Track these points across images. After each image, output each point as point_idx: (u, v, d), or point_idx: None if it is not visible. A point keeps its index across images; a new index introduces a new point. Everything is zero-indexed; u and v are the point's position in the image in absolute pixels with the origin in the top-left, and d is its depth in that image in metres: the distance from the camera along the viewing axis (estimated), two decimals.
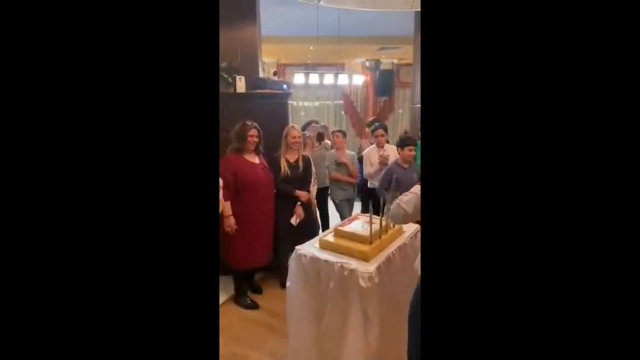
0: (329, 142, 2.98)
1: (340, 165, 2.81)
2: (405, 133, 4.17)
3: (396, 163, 2.46)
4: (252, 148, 2.21)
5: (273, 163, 2.34)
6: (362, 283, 1.38)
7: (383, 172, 2.50)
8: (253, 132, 2.18)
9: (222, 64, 2.48)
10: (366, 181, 2.82)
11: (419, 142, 2.82)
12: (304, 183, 2.43)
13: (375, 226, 1.57)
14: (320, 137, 2.99)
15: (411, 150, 2.39)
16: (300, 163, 2.40)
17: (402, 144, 2.45)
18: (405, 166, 2.43)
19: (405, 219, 1.28)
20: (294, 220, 2.36)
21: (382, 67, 6.04)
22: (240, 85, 2.52)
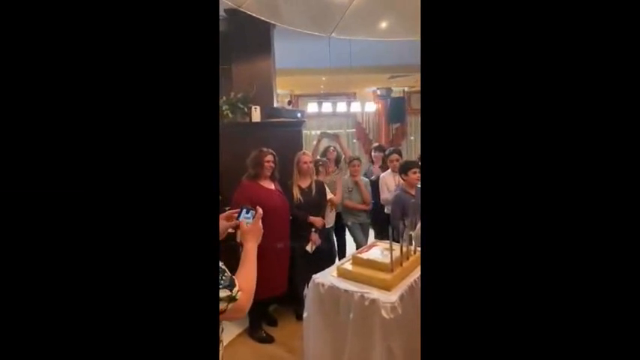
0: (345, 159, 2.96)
1: (352, 191, 2.77)
2: (419, 158, 4.14)
3: (402, 189, 2.34)
4: (269, 174, 2.21)
5: (288, 190, 2.33)
6: (384, 314, 1.30)
7: (392, 203, 2.37)
8: (269, 158, 2.20)
9: (239, 95, 2.56)
10: (383, 207, 2.75)
11: None
12: (319, 208, 2.39)
13: (395, 253, 1.51)
14: (337, 161, 2.98)
15: (415, 173, 2.27)
16: (313, 189, 2.37)
17: (404, 169, 2.32)
18: (412, 192, 2.31)
19: None
20: (309, 247, 2.31)
21: (393, 94, 6.14)
22: (256, 114, 2.58)
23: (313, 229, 2.33)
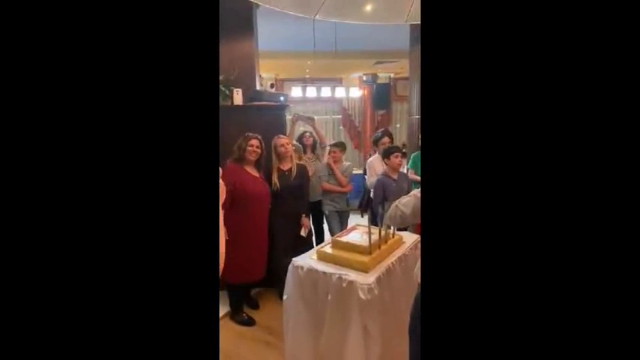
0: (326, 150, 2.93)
1: (332, 176, 2.76)
2: (404, 145, 4.16)
3: (384, 173, 2.40)
4: (253, 159, 2.18)
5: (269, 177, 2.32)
6: (361, 295, 1.33)
7: (374, 187, 2.42)
8: (253, 142, 2.15)
9: (220, 77, 2.49)
10: (370, 191, 2.76)
11: (417, 153, 2.77)
12: (300, 191, 2.38)
13: (374, 237, 1.53)
14: (313, 148, 2.96)
15: (397, 157, 2.35)
16: (294, 172, 2.35)
17: (386, 153, 2.40)
18: (394, 176, 2.37)
19: (403, 221, 1.24)
20: (303, 232, 2.34)
21: (379, 80, 6.11)
22: (238, 97, 2.52)
23: (304, 215, 2.34)
